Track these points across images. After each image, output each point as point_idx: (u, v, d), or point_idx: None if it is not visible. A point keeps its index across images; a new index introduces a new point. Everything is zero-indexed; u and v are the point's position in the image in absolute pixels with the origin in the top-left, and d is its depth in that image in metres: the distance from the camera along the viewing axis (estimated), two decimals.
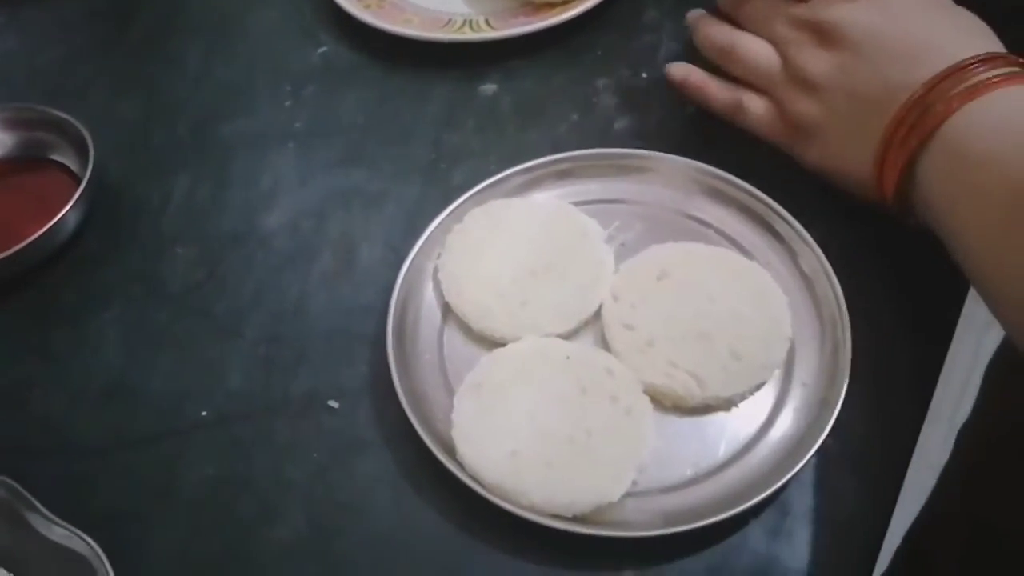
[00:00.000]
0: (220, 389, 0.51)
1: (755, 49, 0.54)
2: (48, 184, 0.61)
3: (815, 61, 0.50)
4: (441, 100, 0.64)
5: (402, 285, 0.51)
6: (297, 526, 0.45)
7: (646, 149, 0.56)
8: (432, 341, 0.50)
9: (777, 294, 0.49)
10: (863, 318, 0.47)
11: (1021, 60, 0.46)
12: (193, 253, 0.57)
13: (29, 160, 0.62)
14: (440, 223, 0.53)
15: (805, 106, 0.51)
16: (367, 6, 0.69)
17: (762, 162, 0.55)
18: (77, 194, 0.56)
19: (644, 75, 0.63)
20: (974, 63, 0.44)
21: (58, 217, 0.55)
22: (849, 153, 0.49)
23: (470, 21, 0.68)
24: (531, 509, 0.42)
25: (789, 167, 0.54)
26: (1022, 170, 0.41)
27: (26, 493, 0.45)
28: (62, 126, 0.61)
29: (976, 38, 0.47)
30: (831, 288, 0.48)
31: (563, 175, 0.55)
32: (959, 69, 0.45)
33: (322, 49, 0.69)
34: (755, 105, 0.54)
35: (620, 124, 0.61)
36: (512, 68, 0.66)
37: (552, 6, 0.67)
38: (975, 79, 0.44)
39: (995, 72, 0.44)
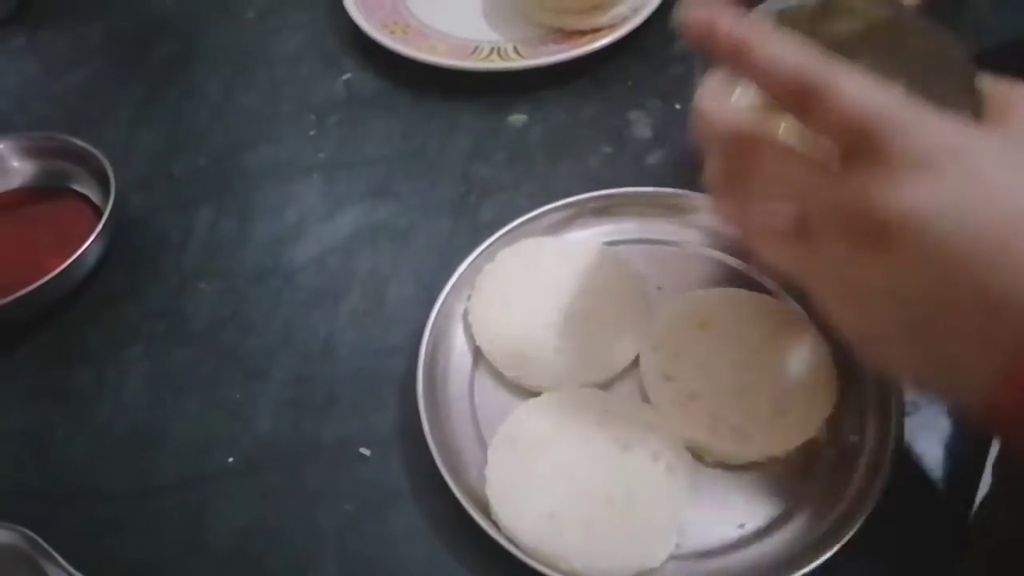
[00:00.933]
0: (247, 434, 0.49)
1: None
2: (68, 215, 0.60)
3: (871, 270, 0.33)
4: (469, 131, 0.63)
5: (432, 327, 0.49)
6: None
7: (681, 184, 0.54)
8: (463, 387, 0.49)
9: (822, 345, 0.47)
10: None
11: None
12: (217, 289, 0.56)
13: (49, 190, 0.61)
14: (471, 262, 0.52)
15: (856, 316, 0.35)
16: (391, 32, 0.68)
17: None
18: (99, 227, 0.54)
19: (677, 106, 0.62)
20: None
21: (80, 251, 0.54)
22: (940, 371, 0.34)
23: (498, 49, 0.66)
24: (571, 575, 0.40)
25: None
26: None
27: (46, 545, 0.43)
28: (83, 156, 0.59)
29: None
30: None
31: (599, 213, 0.54)
32: None
33: (346, 76, 0.68)
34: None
35: (653, 158, 0.59)
36: (541, 98, 0.64)
37: (582, 34, 0.66)
38: None
39: None
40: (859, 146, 0.32)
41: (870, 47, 0.37)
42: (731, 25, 0.34)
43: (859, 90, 0.32)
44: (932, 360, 0.33)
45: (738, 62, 0.35)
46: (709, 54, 0.35)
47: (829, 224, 0.33)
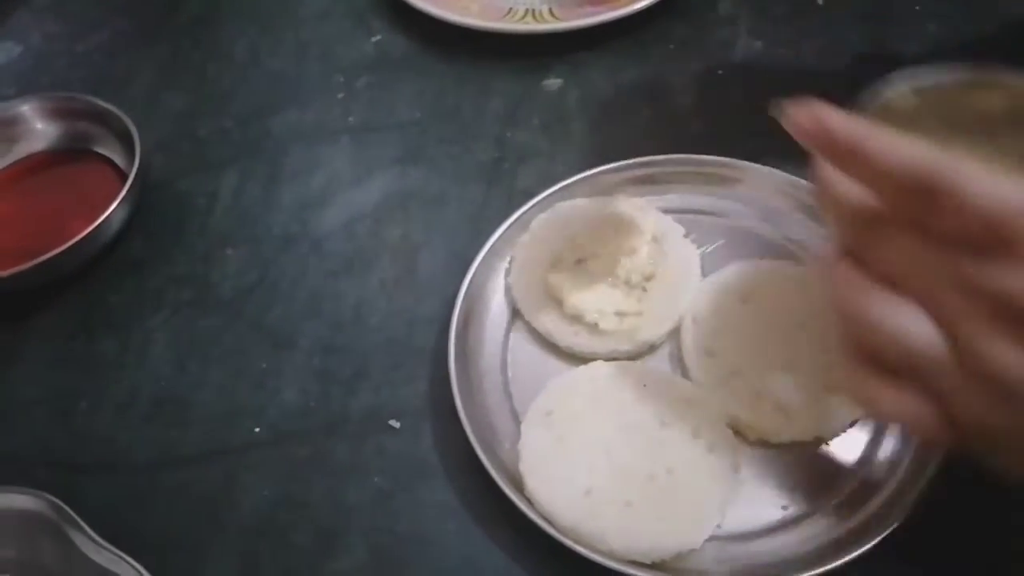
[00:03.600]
0: (273, 404, 0.48)
1: (907, 325, 0.32)
2: (92, 178, 0.58)
3: (1012, 355, 0.30)
4: (503, 95, 0.61)
5: (465, 297, 0.48)
6: (358, 557, 0.43)
7: (724, 153, 0.52)
8: (496, 359, 0.47)
9: None
10: None
11: None
12: (243, 256, 0.55)
13: (72, 152, 0.60)
14: (505, 231, 0.50)
15: (996, 416, 0.31)
16: None
17: None
18: (124, 191, 0.53)
19: (720, 72, 0.60)
20: None
21: (104, 216, 0.52)
22: None
23: (533, 10, 0.64)
24: (609, 555, 0.39)
25: None
26: None
27: (72, 513, 0.42)
28: (106, 118, 0.58)
29: None
30: None
31: (638, 181, 0.52)
32: None
33: (376, 38, 0.66)
34: (903, 407, 0.33)
35: (696, 125, 0.57)
36: (578, 61, 0.62)
37: None
38: None
39: None
40: (993, 247, 0.29)
41: (1015, 125, 0.34)
42: (844, 124, 0.32)
43: (989, 187, 0.29)
44: None
45: (852, 163, 0.32)
46: (820, 153, 0.33)
47: (973, 297, 0.30)
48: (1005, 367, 0.30)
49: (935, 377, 0.32)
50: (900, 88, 0.37)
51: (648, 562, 0.39)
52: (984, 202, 0.29)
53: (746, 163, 0.51)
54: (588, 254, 0.49)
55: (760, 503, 0.41)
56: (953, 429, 0.32)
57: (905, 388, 0.32)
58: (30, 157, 0.60)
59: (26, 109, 0.59)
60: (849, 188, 0.33)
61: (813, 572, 0.38)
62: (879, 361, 0.33)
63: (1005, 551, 0.40)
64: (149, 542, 0.43)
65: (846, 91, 0.38)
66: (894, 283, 0.32)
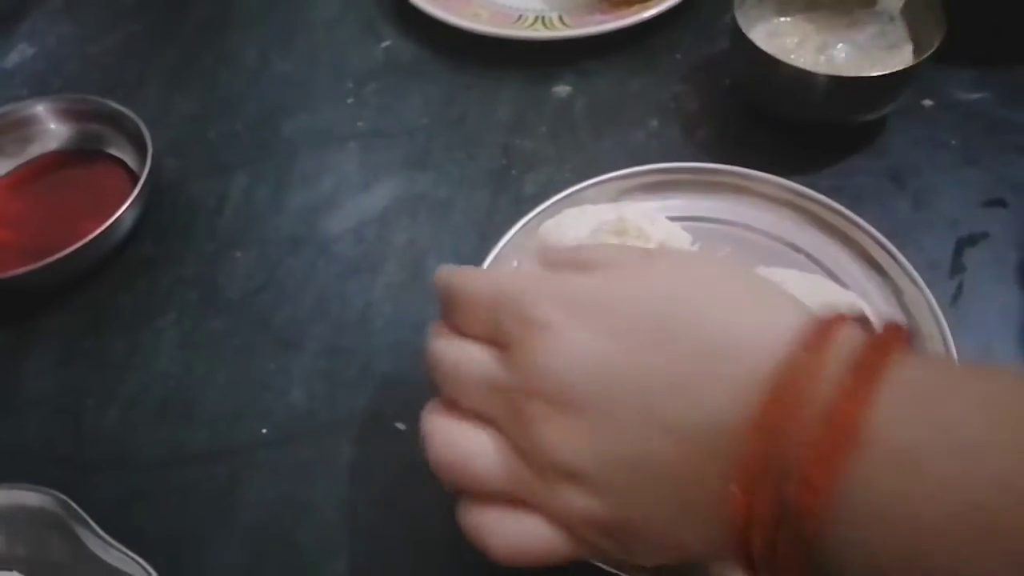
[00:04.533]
0: (280, 405, 0.48)
1: (473, 454, 0.32)
2: (103, 179, 0.59)
3: (557, 441, 0.30)
4: (511, 101, 0.61)
5: None
6: (362, 558, 0.43)
7: (730, 161, 0.52)
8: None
9: None
10: (972, 356, 0.44)
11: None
12: (251, 258, 0.55)
13: (84, 153, 0.60)
14: (512, 237, 0.50)
15: (584, 504, 0.30)
16: None
17: (858, 184, 0.52)
18: (135, 193, 0.54)
19: (727, 81, 0.60)
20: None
21: (115, 217, 0.53)
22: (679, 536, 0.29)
23: (543, 17, 0.65)
24: (611, 560, 0.39)
25: (888, 192, 0.51)
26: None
27: (80, 511, 0.43)
28: (119, 119, 0.59)
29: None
30: (937, 327, 0.44)
31: (645, 188, 0.52)
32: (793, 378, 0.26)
33: (385, 43, 0.67)
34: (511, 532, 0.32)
35: (701, 134, 0.57)
36: (587, 69, 0.62)
37: (629, 4, 0.64)
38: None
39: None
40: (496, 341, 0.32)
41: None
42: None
43: (470, 280, 0.34)
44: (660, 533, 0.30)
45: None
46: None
47: (512, 415, 0.31)
48: (555, 448, 0.30)
49: (527, 494, 0.31)
50: None
51: (651, 566, 0.39)
52: (470, 294, 0.33)
53: (752, 172, 0.51)
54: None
55: None
56: (572, 537, 0.31)
57: (508, 510, 0.32)
58: (43, 157, 0.60)
59: (40, 110, 0.60)
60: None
61: None
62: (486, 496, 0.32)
63: None
64: (156, 540, 0.43)
65: None
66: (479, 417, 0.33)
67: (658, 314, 0.29)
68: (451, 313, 0.34)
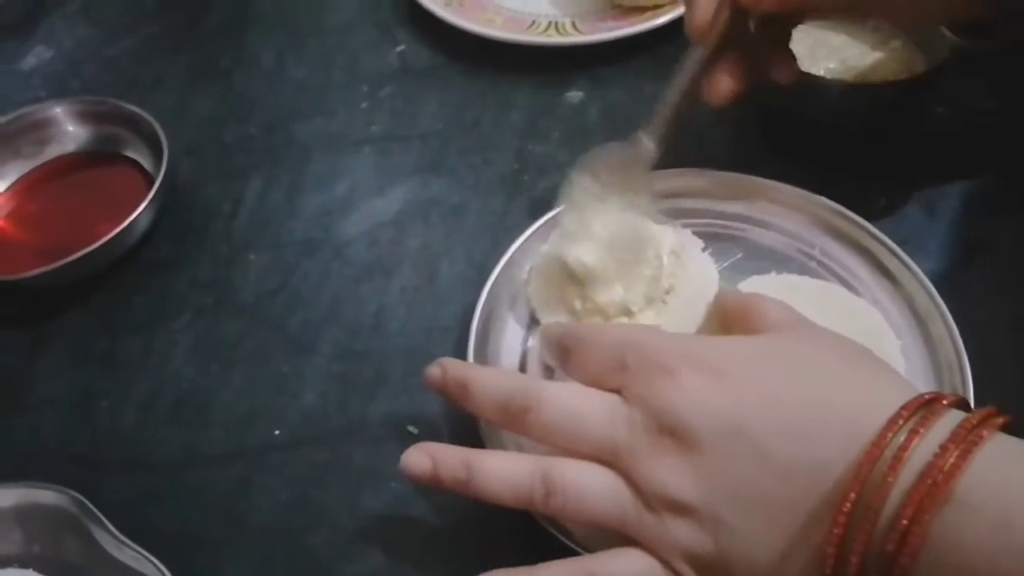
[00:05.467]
0: (293, 408, 0.49)
1: (584, 481, 0.36)
2: (119, 181, 0.59)
3: (672, 476, 0.34)
4: (524, 107, 0.62)
5: (484, 307, 0.48)
6: (374, 561, 0.43)
7: (741, 168, 0.52)
8: (514, 368, 0.48)
9: (888, 336, 0.45)
10: (983, 363, 0.44)
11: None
12: (265, 261, 0.55)
13: (101, 154, 0.61)
14: (524, 242, 0.51)
15: (690, 538, 0.34)
16: (447, 3, 0.67)
17: (870, 191, 0.52)
18: (150, 195, 0.54)
19: None
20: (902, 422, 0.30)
21: (131, 219, 0.53)
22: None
23: (556, 23, 0.65)
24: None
25: (900, 197, 0.51)
26: None
27: (95, 510, 0.43)
28: (135, 122, 0.59)
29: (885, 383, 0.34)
30: (947, 331, 0.45)
31: (658, 194, 0.52)
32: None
33: (400, 48, 0.67)
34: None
35: (714, 140, 0.58)
36: (600, 75, 0.63)
37: (642, 10, 0.64)
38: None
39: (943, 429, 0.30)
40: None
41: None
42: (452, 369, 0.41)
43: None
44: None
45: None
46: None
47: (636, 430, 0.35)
48: (670, 481, 0.34)
49: (629, 526, 0.35)
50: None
51: None
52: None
53: (763, 179, 0.51)
54: (606, 266, 0.49)
55: None
56: (667, 571, 0.34)
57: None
58: (60, 159, 0.61)
59: (58, 111, 0.60)
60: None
61: None
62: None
63: None
64: (169, 540, 0.43)
65: None
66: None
67: (777, 372, 0.34)
68: (576, 357, 0.39)
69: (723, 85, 0.47)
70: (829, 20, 0.58)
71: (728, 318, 0.40)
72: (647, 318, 0.47)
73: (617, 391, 0.37)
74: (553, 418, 0.37)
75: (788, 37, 0.49)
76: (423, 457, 0.39)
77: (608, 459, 0.36)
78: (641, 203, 0.49)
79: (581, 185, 0.49)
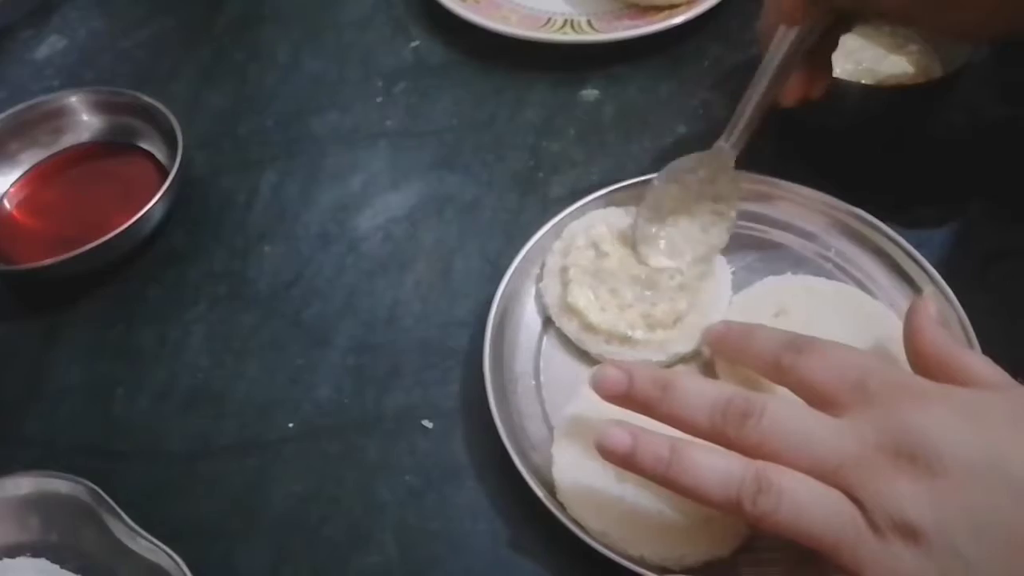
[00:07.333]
0: (308, 400, 0.49)
1: (804, 490, 0.34)
2: (134, 172, 0.59)
3: (908, 497, 0.33)
4: (539, 104, 0.62)
5: (500, 302, 0.48)
6: (388, 553, 0.43)
7: (756, 169, 0.52)
8: (529, 365, 0.48)
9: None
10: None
11: None
12: (280, 253, 0.55)
13: (115, 145, 0.61)
14: (539, 239, 0.51)
15: (914, 565, 0.32)
16: (463, 0, 0.67)
17: (887, 194, 0.52)
18: (165, 186, 0.54)
19: None
20: None
21: (146, 209, 0.53)
22: None
23: (571, 21, 0.65)
24: (640, 562, 0.39)
25: (916, 201, 0.51)
26: None
27: (110, 500, 0.43)
28: (151, 113, 0.59)
29: None
30: (964, 337, 0.45)
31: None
32: None
33: (414, 43, 0.67)
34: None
35: None
36: (615, 74, 0.63)
37: (658, 9, 0.64)
38: None
39: None
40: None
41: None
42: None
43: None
44: None
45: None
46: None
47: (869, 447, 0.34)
48: (905, 502, 0.32)
49: (848, 543, 0.33)
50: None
51: (678, 569, 0.39)
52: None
53: (778, 180, 0.51)
54: (618, 266, 0.49)
55: None
56: None
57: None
58: (75, 148, 0.61)
59: (73, 101, 0.60)
60: None
61: None
62: None
63: None
64: (184, 530, 0.44)
65: None
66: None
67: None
68: (811, 358, 0.38)
69: (799, 88, 0.48)
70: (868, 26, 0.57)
71: (919, 363, 0.39)
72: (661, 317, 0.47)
73: (835, 411, 0.36)
74: (776, 427, 0.35)
75: (834, 46, 0.49)
76: (624, 435, 0.37)
77: (830, 474, 0.34)
78: (727, 212, 0.49)
79: (669, 193, 0.49)
